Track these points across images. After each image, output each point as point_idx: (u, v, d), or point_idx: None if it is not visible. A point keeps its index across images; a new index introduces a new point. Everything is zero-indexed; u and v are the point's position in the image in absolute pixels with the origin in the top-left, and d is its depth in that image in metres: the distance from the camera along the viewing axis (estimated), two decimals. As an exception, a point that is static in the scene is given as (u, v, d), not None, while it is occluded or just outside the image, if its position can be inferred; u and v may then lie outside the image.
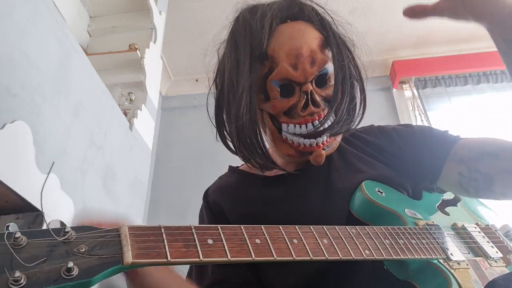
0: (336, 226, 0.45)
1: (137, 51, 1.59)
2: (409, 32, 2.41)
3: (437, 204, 0.67)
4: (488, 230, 0.63)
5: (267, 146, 0.65)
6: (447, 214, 0.65)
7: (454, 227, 0.61)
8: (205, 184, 0.76)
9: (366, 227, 0.48)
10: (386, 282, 0.52)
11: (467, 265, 0.51)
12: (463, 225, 0.61)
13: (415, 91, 2.48)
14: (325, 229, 0.44)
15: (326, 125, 0.60)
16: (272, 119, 0.63)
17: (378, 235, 0.47)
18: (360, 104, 0.65)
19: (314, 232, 0.43)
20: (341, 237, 0.44)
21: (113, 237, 0.31)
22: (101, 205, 1.14)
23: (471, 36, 2.39)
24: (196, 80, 2.64)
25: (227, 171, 0.78)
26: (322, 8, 0.66)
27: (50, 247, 0.28)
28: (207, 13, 2.19)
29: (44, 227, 0.30)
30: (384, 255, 0.45)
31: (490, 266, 0.55)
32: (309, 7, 0.65)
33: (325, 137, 0.61)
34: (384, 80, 2.56)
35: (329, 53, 0.62)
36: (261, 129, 0.65)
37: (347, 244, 0.43)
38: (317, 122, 0.59)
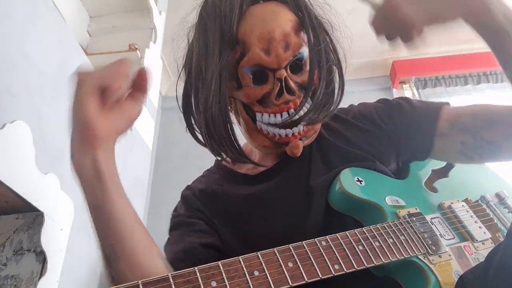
0: (304, 242, 0.44)
1: (137, 51, 1.59)
2: (409, 32, 2.41)
3: (425, 180, 0.64)
4: (477, 207, 0.61)
5: (238, 138, 0.60)
6: (435, 191, 0.63)
7: (440, 208, 0.59)
8: (205, 184, 0.76)
9: (338, 235, 0.46)
10: (369, 277, 0.50)
11: (450, 256, 0.51)
12: (450, 205, 0.59)
13: (415, 91, 2.47)
14: (292, 249, 0.42)
15: (301, 113, 0.56)
16: (246, 108, 0.59)
17: (351, 242, 0.46)
18: (338, 89, 0.61)
19: (279, 257, 0.41)
20: (308, 256, 0.42)
21: None
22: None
23: (471, 36, 2.39)
24: (196, 80, 2.64)
25: (212, 166, 0.74)
26: None
27: None
28: (207, 13, 2.18)
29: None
30: (356, 266, 0.44)
31: (476, 250, 0.54)
32: None
33: (302, 127, 0.57)
34: (384, 80, 2.56)
35: (304, 36, 0.57)
36: (235, 119, 0.61)
37: (314, 263, 0.42)
38: (292, 110, 0.55)
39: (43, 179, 0.86)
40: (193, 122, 0.63)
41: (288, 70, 0.55)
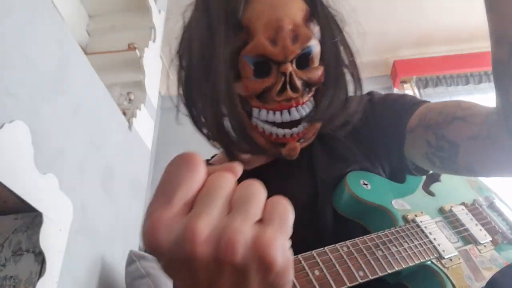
0: (326, 249, 0.42)
1: (136, 50, 1.59)
2: (410, 32, 2.41)
3: (421, 184, 0.63)
4: (475, 210, 0.61)
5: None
6: (432, 194, 0.63)
7: (442, 211, 0.59)
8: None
9: (357, 240, 0.45)
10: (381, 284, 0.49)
11: (459, 259, 0.51)
12: (450, 209, 0.59)
13: (416, 90, 2.47)
14: (316, 256, 0.40)
15: (303, 113, 0.51)
16: (242, 101, 0.53)
17: (371, 247, 0.45)
18: (355, 92, 0.55)
19: (305, 265, 0.39)
20: (333, 263, 0.41)
21: None
22: (100, 205, 1.13)
23: (472, 36, 2.39)
24: (196, 80, 2.64)
25: None
26: None
27: None
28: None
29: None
30: (379, 271, 0.43)
31: (480, 253, 0.54)
32: None
33: (302, 127, 0.52)
34: (385, 80, 2.55)
35: (314, 29, 0.52)
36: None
37: (340, 270, 0.40)
38: (294, 109, 0.50)
39: (42, 179, 0.86)
40: (195, 114, 0.58)
41: (294, 65, 0.50)
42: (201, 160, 0.23)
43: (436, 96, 2.49)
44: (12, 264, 0.83)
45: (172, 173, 0.22)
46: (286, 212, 0.23)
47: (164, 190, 0.22)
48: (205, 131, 0.57)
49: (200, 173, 0.23)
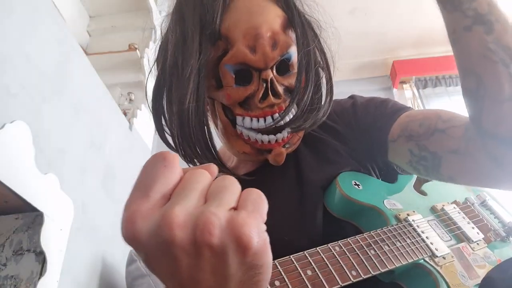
0: (318, 249, 0.42)
1: (137, 51, 1.59)
2: (409, 32, 2.41)
3: (413, 183, 0.63)
4: (467, 209, 0.62)
5: (215, 143, 0.55)
6: (424, 194, 0.63)
7: (433, 210, 0.59)
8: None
9: (349, 240, 0.45)
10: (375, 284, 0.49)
11: (452, 257, 0.51)
12: (442, 208, 0.59)
13: (415, 91, 2.47)
14: (308, 256, 0.41)
15: (287, 119, 0.51)
16: (225, 110, 0.54)
17: (363, 247, 0.45)
18: (326, 95, 0.56)
19: (297, 265, 0.39)
20: (325, 262, 0.41)
21: None
22: (101, 205, 1.14)
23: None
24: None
25: None
26: None
27: None
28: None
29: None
30: (371, 271, 0.43)
31: (473, 250, 0.54)
32: None
33: (286, 133, 0.53)
34: (384, 80, 2.56)
35: (292, 35, 0.53)
36: (212, 122, 0.57)
37: (332, 270, 0.40)
38: (277, 115, 0.51)
39: (42, 179, 0.86)
40: (163, 123, 0.57)
41: (275, 71, 0.51)
42: (177, 158, 0.24)
43: (435, 96, 2.49)
44: (13, 263, 0.84)
45: (149, 170, 0.24)
46: (259, 199, 0.24)
47: (141, 185, 0.23)
48: (170, 141, 0.56)
49: (176, 169, 0.24)
